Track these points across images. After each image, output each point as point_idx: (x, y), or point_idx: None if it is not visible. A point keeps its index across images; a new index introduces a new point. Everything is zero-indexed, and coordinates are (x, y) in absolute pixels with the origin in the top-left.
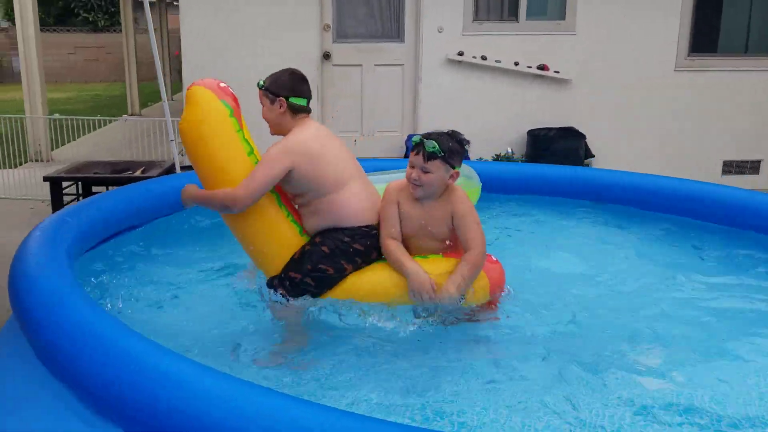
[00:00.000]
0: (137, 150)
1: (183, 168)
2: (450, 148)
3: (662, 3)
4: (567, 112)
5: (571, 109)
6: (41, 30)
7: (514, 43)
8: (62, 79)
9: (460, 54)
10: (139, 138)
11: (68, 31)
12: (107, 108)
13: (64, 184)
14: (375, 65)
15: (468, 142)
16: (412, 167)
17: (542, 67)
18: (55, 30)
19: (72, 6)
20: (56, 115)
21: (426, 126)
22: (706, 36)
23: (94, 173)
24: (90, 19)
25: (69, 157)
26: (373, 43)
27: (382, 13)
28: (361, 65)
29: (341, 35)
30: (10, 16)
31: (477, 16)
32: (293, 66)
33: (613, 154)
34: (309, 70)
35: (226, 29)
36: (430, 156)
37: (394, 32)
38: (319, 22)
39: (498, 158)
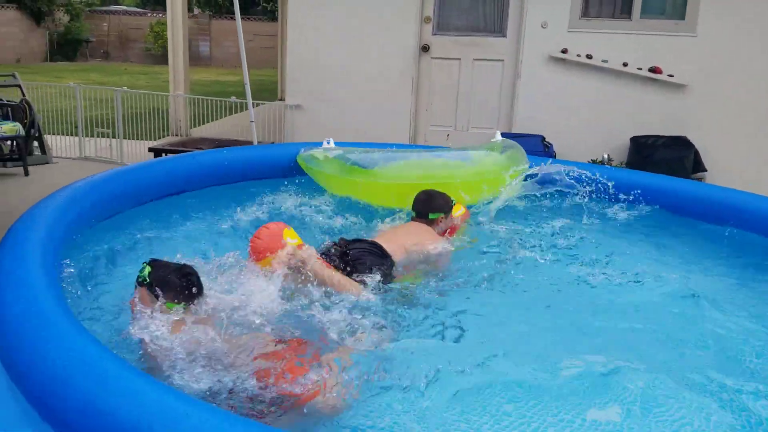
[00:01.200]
0: (265, 131)
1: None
2: (163, 278)
3: None
4: (679, 120)
5: (684, 118)
6: (224, 18)
7: (625, 42)
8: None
9: (564, 51)
10: (271, 121)
11: (248, 19)
12: (265, 92)
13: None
14: (474, 59)
15: (196, 275)
16: None
17: (654, 70)
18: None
19: None
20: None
21: (522, 124)
22: None
23: (197, 147)
24: (269, 8)
25: (203, 133)
26: (474, 36)
27: (485, 6)
28: (459, 59)
29: (442, 28)
30: (200, 3)
31: (585, 12)
32: (390, 57)
33: (730, 169)
34: (406, 62)
35: (329, 21)
36: (137, 281)
37: (497, 26)
38: (420, 14)
39: (593, 164)
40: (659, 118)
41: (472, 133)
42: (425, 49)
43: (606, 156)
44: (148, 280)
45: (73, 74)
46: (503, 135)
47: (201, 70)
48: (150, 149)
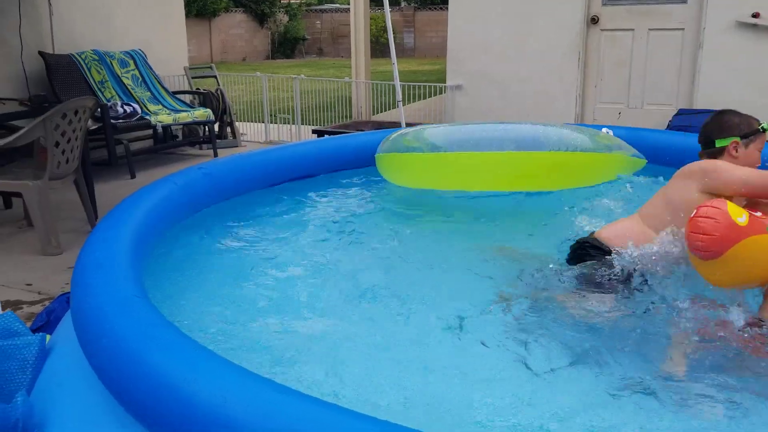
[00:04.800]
0: (435, 114)
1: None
2: None
3: None
4: None
5: None
6: (429, 9)
7: None
8: (443, 54)
9: (755, 16)
10: (440, 104)
11: (442, 9)
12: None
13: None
14: (649, 29)
15: None
16: None
17: None
18: (441, 8)
19: None
20: (347, 78)
21: (704, 100)
22: None
23: (358, 129)
24: None
25: (385, 118)
26: (650, 4)
27: None
28: (632, 30)
29: None
30: None
31: None
32: (554, 31)
33: None
34: (572, 36)
35: None
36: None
37: None
38: None
39: None
40: None
41: (647, 110)
42: (594, 20)
43: None
44: None
45: (288, 69)
46: (681, 111)
47: (402, 61)
48: (314, 131)
